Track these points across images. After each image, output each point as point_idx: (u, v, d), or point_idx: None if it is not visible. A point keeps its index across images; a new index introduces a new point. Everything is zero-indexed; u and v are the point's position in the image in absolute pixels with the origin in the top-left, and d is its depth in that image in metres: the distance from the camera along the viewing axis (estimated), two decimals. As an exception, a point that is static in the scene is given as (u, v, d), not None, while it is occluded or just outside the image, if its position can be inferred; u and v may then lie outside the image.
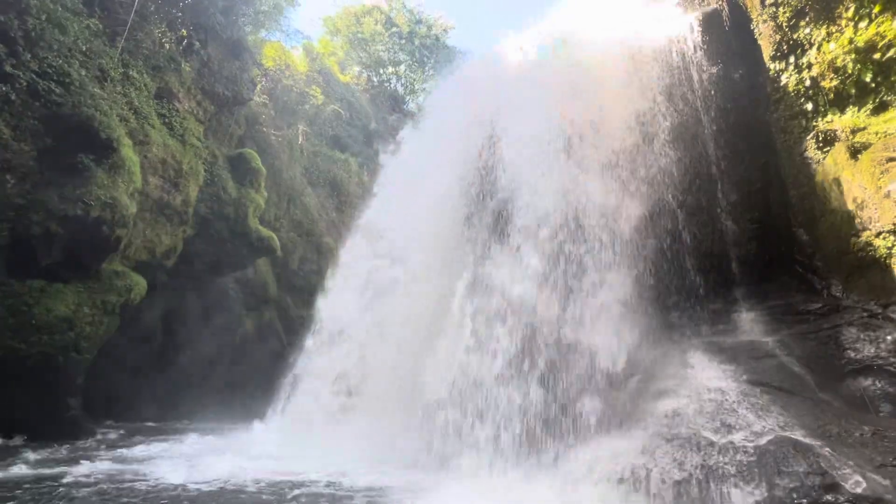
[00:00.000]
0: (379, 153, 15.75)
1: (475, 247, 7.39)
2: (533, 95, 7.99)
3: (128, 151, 10.13)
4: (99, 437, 9.53)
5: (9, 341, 8.72)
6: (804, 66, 7.75)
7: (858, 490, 3.06)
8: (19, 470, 6.22)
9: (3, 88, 8.73)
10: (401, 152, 10.99)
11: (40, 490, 5.19)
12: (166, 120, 11.87)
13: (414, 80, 22.42)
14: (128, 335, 11.50)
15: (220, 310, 14.19)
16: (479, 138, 8.02)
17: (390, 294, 8.93)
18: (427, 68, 21.99)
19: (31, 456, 7.18)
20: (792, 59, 7.86)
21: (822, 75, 7.61)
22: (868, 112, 7.10)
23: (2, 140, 8.85)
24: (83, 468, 6.28)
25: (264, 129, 15.64)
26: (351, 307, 9.68)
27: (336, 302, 10.21)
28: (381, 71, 22.24)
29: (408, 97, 22.00)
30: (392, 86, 22.36)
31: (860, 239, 6.29)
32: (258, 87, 15.42)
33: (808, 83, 7.62)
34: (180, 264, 12.57)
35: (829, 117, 7.51)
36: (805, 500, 2.73)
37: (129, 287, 10.32)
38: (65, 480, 5.65)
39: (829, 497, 2.80)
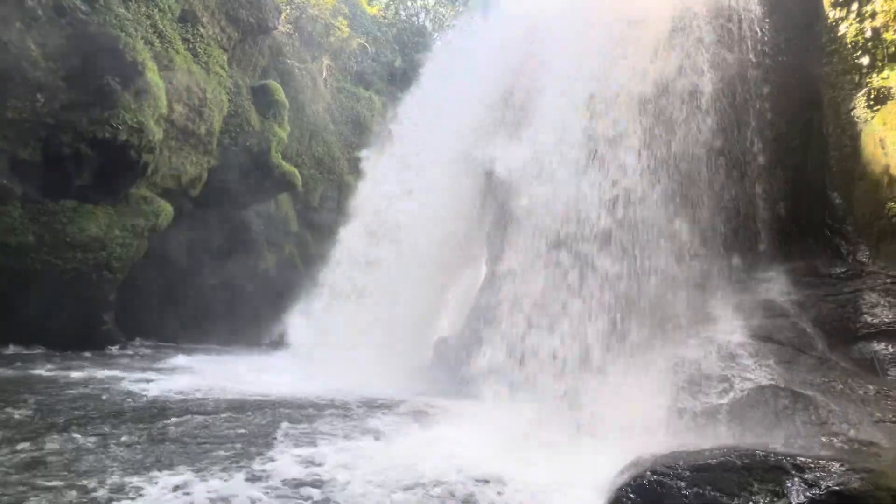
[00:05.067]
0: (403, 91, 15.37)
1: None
2: (569, 36, 7.60)
3: (153, 76, 10.09)
4: (130, 350, 10.21)
5: (45, 256, 9.19)
6: (867, 15, 7.18)
7: (853, 435, 3.17)
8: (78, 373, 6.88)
9: (30, 3, 8.65)
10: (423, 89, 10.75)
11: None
12: (190, 45, 11.69)
13: (444, 15, 21.38)
14: (156, 260, 11.96)
15: (242, 242, 14.56)
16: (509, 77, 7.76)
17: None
18: (458, 3, 20.92)
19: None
20: (855, 7, 7.27)
21: (886, 26, 7.05)
22: (929, 69, 6.63)
23: (31, 58, 8.88)
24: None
25: (288, 61, 15.30)
26: (368, 242, 9.89)
27: (355, 235, 10.44)
28: (410, 3, 21.21)
29: (436, 34, 21.09)
30: (420, 21, 21.39)
31: (896, 204, 6.09)
32: (283, 15, 14.93)
33: (868, 34, 7.09)
34: (205, 194, 12.80)
35: (886, 73, 7.03)
36: (799, 440, 2.86)
37: (156, 212, 10.63)
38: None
39: (824, 439, 2.92)
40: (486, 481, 3.35)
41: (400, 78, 18.58)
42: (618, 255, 5.46)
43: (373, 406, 5.37)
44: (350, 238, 11.30)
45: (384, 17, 19.96)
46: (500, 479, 3.38)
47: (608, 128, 6.42)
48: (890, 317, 5.23)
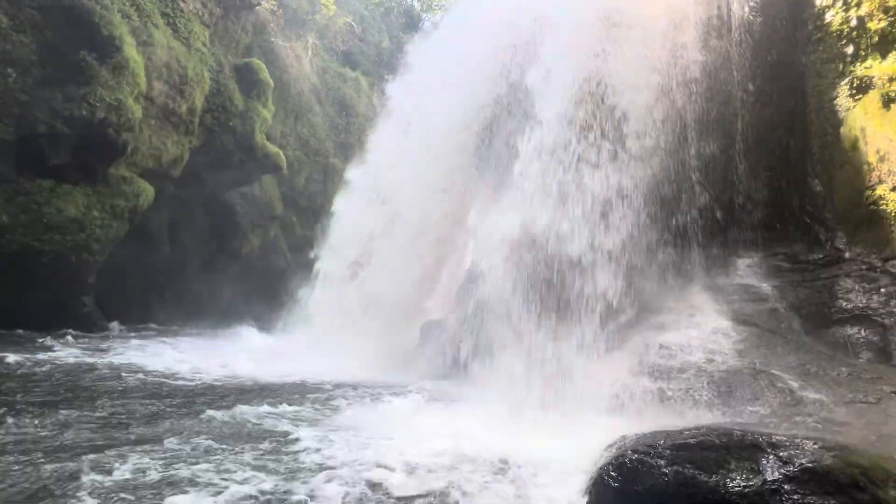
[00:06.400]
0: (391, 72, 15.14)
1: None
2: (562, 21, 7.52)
3: (131, 51, 9.76)
4: (112, 333, 10.06)
5: (22, 238, 8.94)
6: (853, 4, 7.24)
7: (826, 415, 3.30)
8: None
9: (-1, -29, 8.26)
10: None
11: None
12: (170, 20, 11.30)
13: (432, -5, 21.00)
14: (137, 243, 11.73)
15: (226, 224, 14.35)
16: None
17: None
18: (447, -17, 20.51)
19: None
20: (841, -5, 7.32)
21: (871, 15, 7.12)
22: (911, 59, 6.73)
23: (0, 30, 8.51)
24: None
25: (272, 39, 14.91)
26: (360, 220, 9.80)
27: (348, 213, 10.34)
28: (398, -18, 20.77)
29: (424, 14, 20.71)
30: (408, 0, 20.98)
31: (874, 192, 6.22)
32: (266, -10, 14.50)
33: (853, 23, 7.15)
34: (187, 175, 12.53)
35: (869, 62, 7.12)
36: (775, 420, 2.96)
37: (136, 193, 10.38)
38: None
39: (798, 419, 3.03)
40: (476, 460, 3.41)
41: (387, 59, 18.27)
42: (605, 241, 5.52)
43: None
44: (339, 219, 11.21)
45: (371, -4, 19.52)
46: (489, 458, 3.45)
47: (597, 115, 6.42)
48: (863, 302, 5.40)
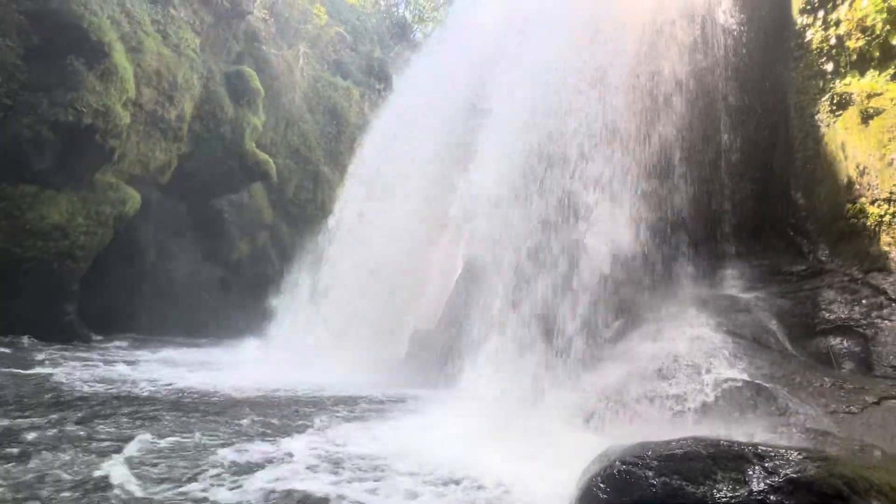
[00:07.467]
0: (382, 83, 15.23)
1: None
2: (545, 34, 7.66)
3: (120, 58, 9.71)
4: (94, 342, 9.86)
5: (2, 244, 8.77)
6: (832, 23, 7.46)
7: (810, 425, 3.35)
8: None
9: (-14, -25, 8.19)
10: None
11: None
12: (160, 27, 11.28)
13: (424, 7, 21.22)
14: (122, 250, 11.56)
15: (214, 231, 14.22)
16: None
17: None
18: (438, -5, 20.77)
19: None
20: (821, 14, 7.54)
21: (849, 34, 7.34)
22: (888, 77, 6.93)
23: (-14, 33, 8.42)
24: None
25: (264, 48, 14.92)
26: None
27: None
28: (390, -7, 20.99)
29: (416, 26, 20.91)
30: (400, 11, 21.19)
31: (855, 206, 6.36)
32: (258, -1, 14.53)
33: (832, 41, 7.36)
34: (175, 182, 12.43)
35: (848, 79, 7.33)
36: (760, 430, 2.99)
37: (123, 200, 10.26)
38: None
39: (783, 429, 3.06)
40: (468, 467, 3.40)
41: (378, 69, 18.37)
42: (595, 250, 5.57)
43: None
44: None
45: (363, 7, 19.67)
46: (480, 466, 3.44)
47: (583, 128, 6.51)
48: (846, 313, 5.49)
